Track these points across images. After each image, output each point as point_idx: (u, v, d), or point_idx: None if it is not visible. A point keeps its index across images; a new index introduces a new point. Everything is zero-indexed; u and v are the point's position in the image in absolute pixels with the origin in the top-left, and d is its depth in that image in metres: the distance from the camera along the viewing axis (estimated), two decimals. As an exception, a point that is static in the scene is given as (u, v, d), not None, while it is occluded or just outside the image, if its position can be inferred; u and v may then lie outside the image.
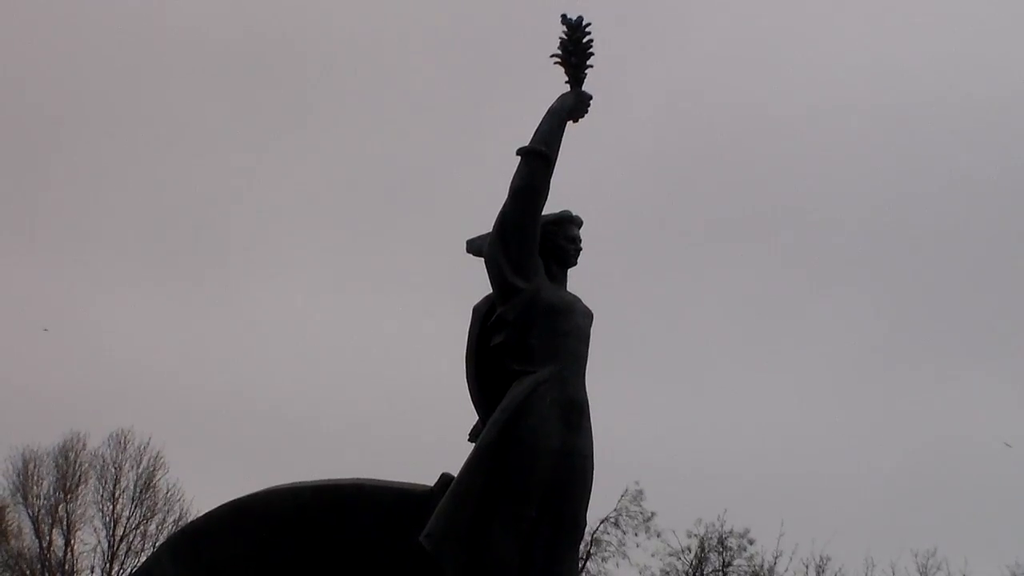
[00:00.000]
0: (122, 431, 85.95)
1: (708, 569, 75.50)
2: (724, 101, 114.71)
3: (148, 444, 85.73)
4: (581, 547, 17.67)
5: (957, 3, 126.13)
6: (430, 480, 16.82)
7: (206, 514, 17.94)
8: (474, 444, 16.58)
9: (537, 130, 17.07)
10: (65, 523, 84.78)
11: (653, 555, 75.45)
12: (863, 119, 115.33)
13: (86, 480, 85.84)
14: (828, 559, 72.60)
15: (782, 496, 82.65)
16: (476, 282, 17.17)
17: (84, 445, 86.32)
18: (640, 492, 75.83)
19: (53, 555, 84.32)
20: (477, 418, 17.11)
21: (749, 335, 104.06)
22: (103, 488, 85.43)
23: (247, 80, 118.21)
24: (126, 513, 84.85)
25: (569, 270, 17.64)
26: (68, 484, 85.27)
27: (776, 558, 73.02)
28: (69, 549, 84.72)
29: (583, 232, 17.69)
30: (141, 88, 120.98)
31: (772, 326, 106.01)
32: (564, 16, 17.49)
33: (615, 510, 75.24)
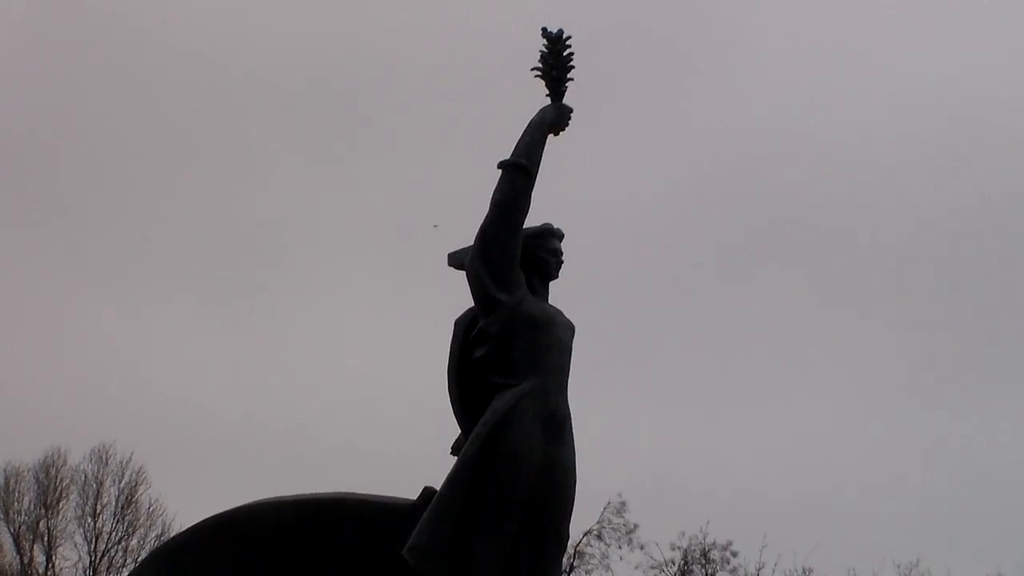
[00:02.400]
0: (104, 446, 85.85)
1: (691, 581, 75.54)
2: (767, 125, 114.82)
3: (130, 459, 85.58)
4: (564, 560, 17.67)
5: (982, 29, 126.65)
6: (413, 494, 16.82)
7: (188, 529, 17.91)
8: (456, 457, 16.59)
9: (518, 143, 17.09)
10: (46, 539, 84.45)
11: (636, 567, 75.62)
12: (905, 144, 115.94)
13: (67, 496, 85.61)
14: (811, 570, 72.84)
15: (764, 508, 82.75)
16: (463, 297, 17.19)
17: (65, 461, 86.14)
18: (623, 504, 76.05)
19: (34, 571, 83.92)
20: (459, 431, 17.11)
21: (745, 354, 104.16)
22: (85, 503, 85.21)
23: (301, 111, 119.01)
24: (108, 528, 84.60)
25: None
26: (49, 500, 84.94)
27: (759, 570, 73.24)
28: (50, 565, 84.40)
29: (564, 245, 17.71)
30: (198, 119, 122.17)
31: (775, 345, 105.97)
32: (544, 29, 17.51)
33: (598, 522, 75.44)
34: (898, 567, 73.51)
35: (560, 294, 17.63)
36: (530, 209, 17.06)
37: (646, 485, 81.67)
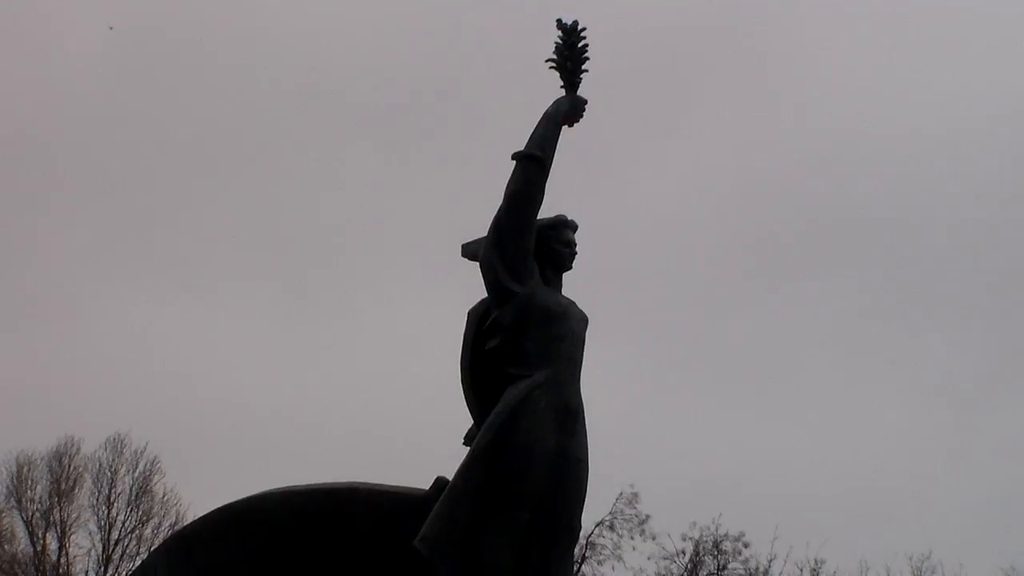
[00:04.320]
0: (119, 435, 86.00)
1: (703, 572, 75.42)
2: (831, 123, 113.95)
3: (145, 449, 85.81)
4: (576, 550, 17.65)
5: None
6: (425, 484, 16.83)
7: (200, 518, 17.94)
8: (469, 448, 16.60)
9: (532, 134, 17.07)
10: (59, 527, 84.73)
11: (648, 558, 75.47)
12: (967, 145, 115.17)
13: (81, 484, 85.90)
14: (822, 562, 72.64)
15: (777, 499, 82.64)
16: (475, 287, 17.19)
17: (78, 449, 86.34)
18: (635, 495, 75.76)
19: (47, 559, 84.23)
20: (472, 422, 17.11)
21: (760, 349, 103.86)
22: (99, 492, 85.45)
23: (365, 112, 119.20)
24: (122, 517, 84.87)
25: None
26: (62, 488, 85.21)
27: (771, 561, 73.02)
28: (63, 553, 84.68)
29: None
30: (257, 117, 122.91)
31: (792, 341, 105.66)
32: (559, 20, 17.49)
33: (610, 513, 75.18)
34: (910, 559, 73.33)
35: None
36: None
37: (658, 476, 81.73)
